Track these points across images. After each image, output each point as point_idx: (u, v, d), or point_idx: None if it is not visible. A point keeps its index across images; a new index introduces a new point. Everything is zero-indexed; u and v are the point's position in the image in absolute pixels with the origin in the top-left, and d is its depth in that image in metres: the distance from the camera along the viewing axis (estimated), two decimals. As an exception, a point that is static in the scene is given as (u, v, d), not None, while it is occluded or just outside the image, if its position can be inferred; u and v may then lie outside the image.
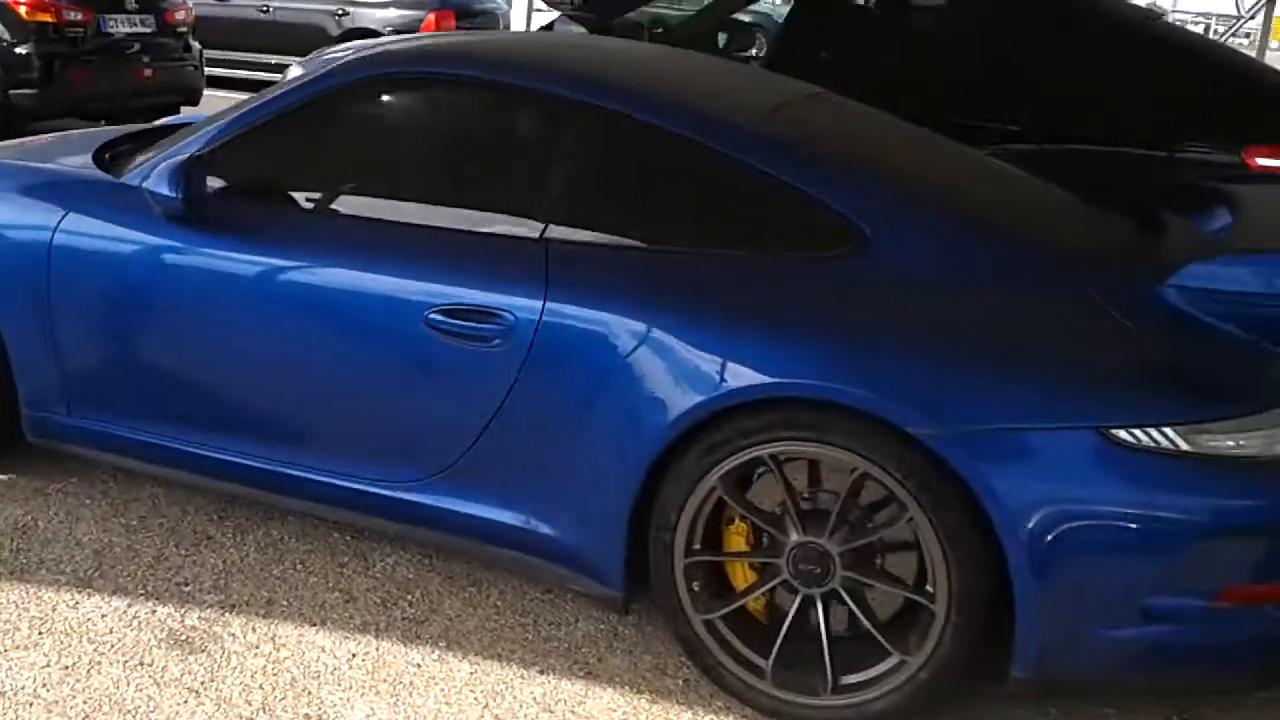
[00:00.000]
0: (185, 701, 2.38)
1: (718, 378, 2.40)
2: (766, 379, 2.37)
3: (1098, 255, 2.70)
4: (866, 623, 2.41)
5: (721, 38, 6.17)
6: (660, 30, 5.14)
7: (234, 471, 2.90)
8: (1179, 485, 2.22)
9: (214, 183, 2.88)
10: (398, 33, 10.38)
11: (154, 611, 2.68)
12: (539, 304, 2.55)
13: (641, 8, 5.42)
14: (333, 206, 2.90)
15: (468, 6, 11.91)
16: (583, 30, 4.90)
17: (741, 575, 2.56)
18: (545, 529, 2.62)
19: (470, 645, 2.65)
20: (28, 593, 2.71)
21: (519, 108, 2.84)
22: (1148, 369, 2.35)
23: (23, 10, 7.74)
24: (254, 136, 2.90)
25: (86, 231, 2.91)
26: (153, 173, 2.78)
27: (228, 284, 2.80)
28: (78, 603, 2.69)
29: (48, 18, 7.84)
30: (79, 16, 8.09)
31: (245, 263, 2.79)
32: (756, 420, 2.38)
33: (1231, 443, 2.24)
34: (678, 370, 2.43)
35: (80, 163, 3.16)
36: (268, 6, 11.92)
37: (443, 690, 2.48)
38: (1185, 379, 2.34)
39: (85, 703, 2.35)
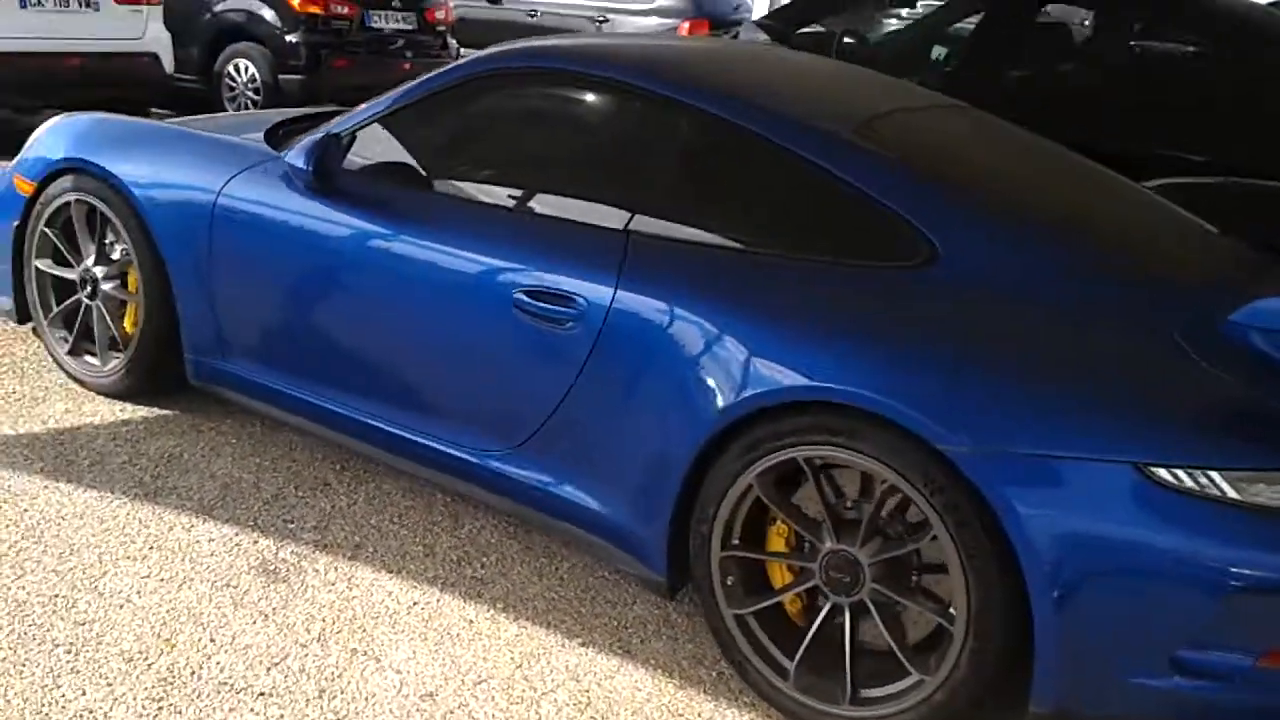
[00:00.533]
0: (254, 622, 2.63)
1: (763, 377, 2.44)
2: (802, 381, 2.39)
3: (1189, 287, 2.56)
4: (889, 638, 2.39)
5: (939, 51, 6.07)
6: (853, 41, 5.12)
7: (353, 427, 3.15)
8: (1222, 535, 2.11)
9: (358, 160, 3.14)
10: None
11: (255, 542, 2.96)
12: (610, 291, 2.66)
13: (834, 17, 5.41)
14: (452, 188, 3.09)
15: (722, 16, 12.14)
16: (765, 38, 4.96)
17: (780, 576, 2.58)
18: (602, 508, 2.72)
19: (524, 610, 2.79)
20: (153, 513, 3.04)
21: (627, 105, 2.95)
22: (1205, 410, 2.23)
23: (295, 2, 8.51)
24: (392, 120, 3.15)
25: (242, 196, 3.24)
26: (295, 147, 3.07)
27: (349, 254, 3.05)
28: (192, 526, 3.00)
29: (316, 9, 8.59)
30: (345, 10, 8.82)
31: (364, 235, 3.03)
32: (793, 422, 2.41)
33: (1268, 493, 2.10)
34: (729, 366, 2.49)
35: (255, 137, 3.51)
36: (535, 11, 12.49)
37: (484, 646, 2.63)
38: (1244, 424, 2.21)
39: (168, 612, 2.64)
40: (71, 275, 3.69)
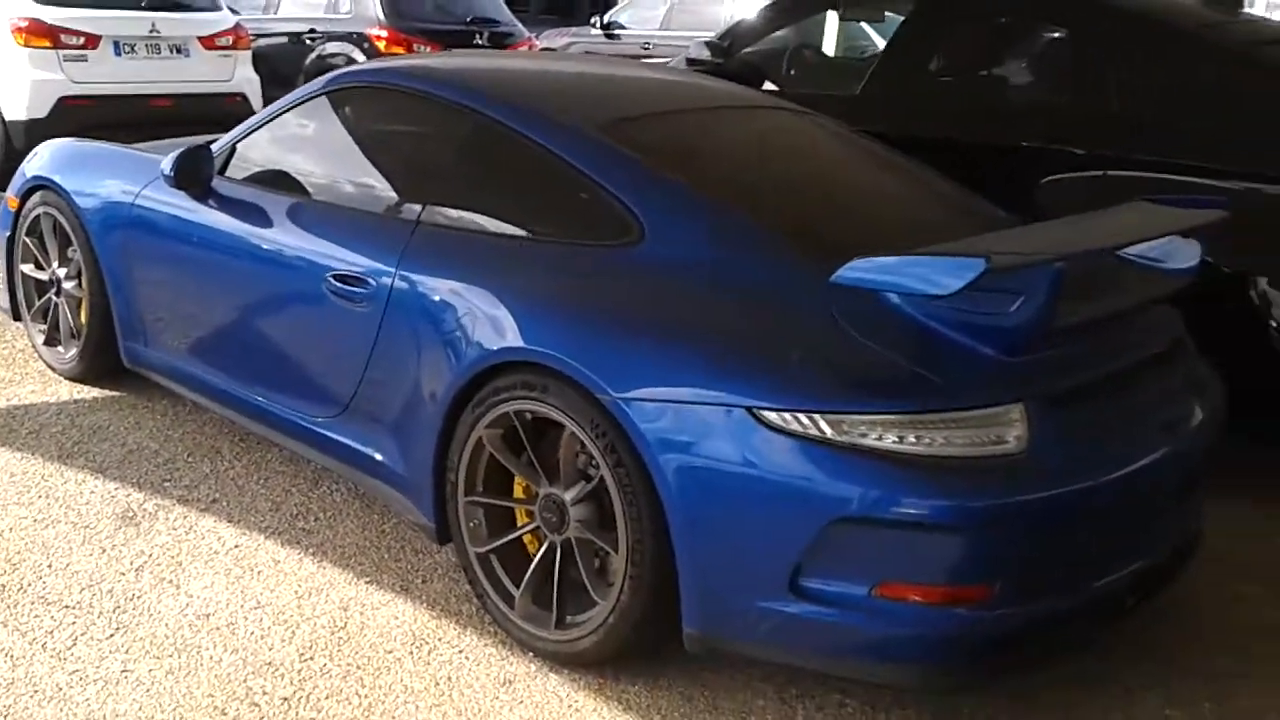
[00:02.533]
0: (91, 554, 3.12)
1: (488, 341, 2.78)
2: (509, 344, 2.73)
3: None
4: (582, 569, 2.69)
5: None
6: (810, 55, 5.33)
7: (230, 401, 3.62)
8: (823, 470, 2.33)
9: (238, 169, 3.65)
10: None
11: (128, 495, 3.46)
12: (393, 273, 3.05)
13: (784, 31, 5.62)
14: (293, 188, 3.52)
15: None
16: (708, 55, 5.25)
17: (521, 519, 2.91)
18: (393, 463, 3.10)
19: (331, 555, 3.18)
20: (58, 471, 3.59)
21: (430, 112, 3.34)
22: (819, 362, 2.45)
23: (381, 46, 9.29)
24: (262, 131, 3.64)
25: (147, 202, 3.78)
26: (165, 158, 3.59)
27: (213, 249, 3.54)
28: (83, 481, 3.53)
29: (400, 51, 9.33)
30: (429, 51, 9.52)
31: (222, 232, 3.51)
32: (507, 379, 2.74)
33: (876, 436, 2.32)
34: (469, 333, 2.84)
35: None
36: (649, 43, 13.03)
37: (276, 581, 3.04)
38: (849, 373, 2.42)
39: (26, 544, 3.15)
40: (44, 276, 4.31)
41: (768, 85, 5.35)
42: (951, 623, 2.33)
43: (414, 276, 3.01)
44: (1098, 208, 3.07)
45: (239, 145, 3.68)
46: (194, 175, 3.57)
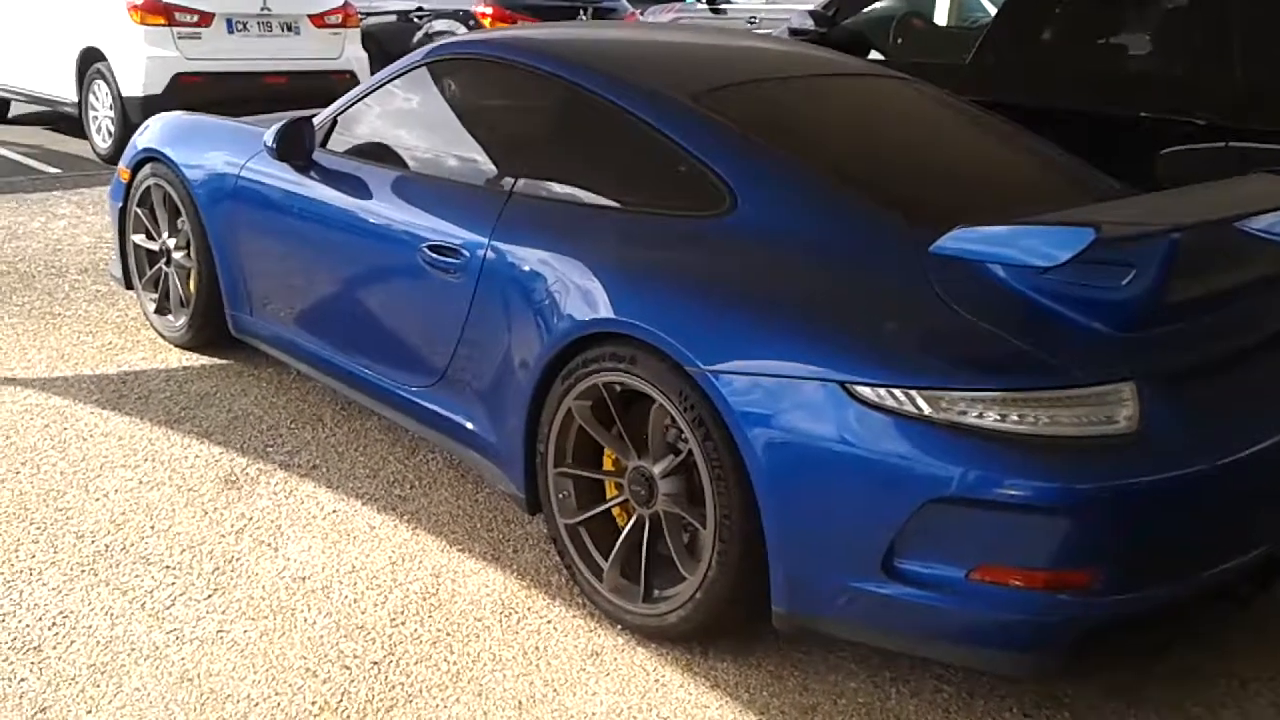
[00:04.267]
0: (194, 517, 3.18)
1: (578, 312, 2.76)
2: (599, 315, 2.70)
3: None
4: (670, 544, 2.66)
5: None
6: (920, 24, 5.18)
7: (332, 370, 3.67)
8: (920, 448, 2.26)
9: (339, 142, 3.69)
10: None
11: (232, 460, 3.52)
12: (486, 243, 3.05)
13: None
14: (392, 161, 3.54)
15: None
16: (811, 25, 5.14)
17: (611, 491, 2.88)
18: (487, 434, 3.10)
19: (425, 523, 3.21)
20: (164, 435, 3.68)
21: (524, 84, 3.32)
22: (916, 335, 2.37)
23: (487, 23, 9.33)
24: (362, 104, 3.67)
25: (252, 174, 3.84)
26: (267, 131, 3.64)
27: (318, 220, 3.58)
28: (189, 445, 3.61)
29: (505, 26, 9.37)
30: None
31: (324, 204, 3.55)
32: (597, 350, 2.72)
33: (976, 414, 2.23)
34: (561, 304, 2.82)
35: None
36: (755, 17, 12.86)
37: (372, 546, 3.07)
38: (946, 348, 2.34)
39: (131, 505, 3.23)
40: (155, 246, 4.42)
41: (874, 55, 5.24)
42: (1053, 609, 2.24)
43: (506, 247, 3.00)
44: (1215, 179, 2.93)
45: (340, 118, 3.71)
46: (296, 147, 3.61)
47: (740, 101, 3.07)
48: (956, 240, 2.33)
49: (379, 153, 3.60)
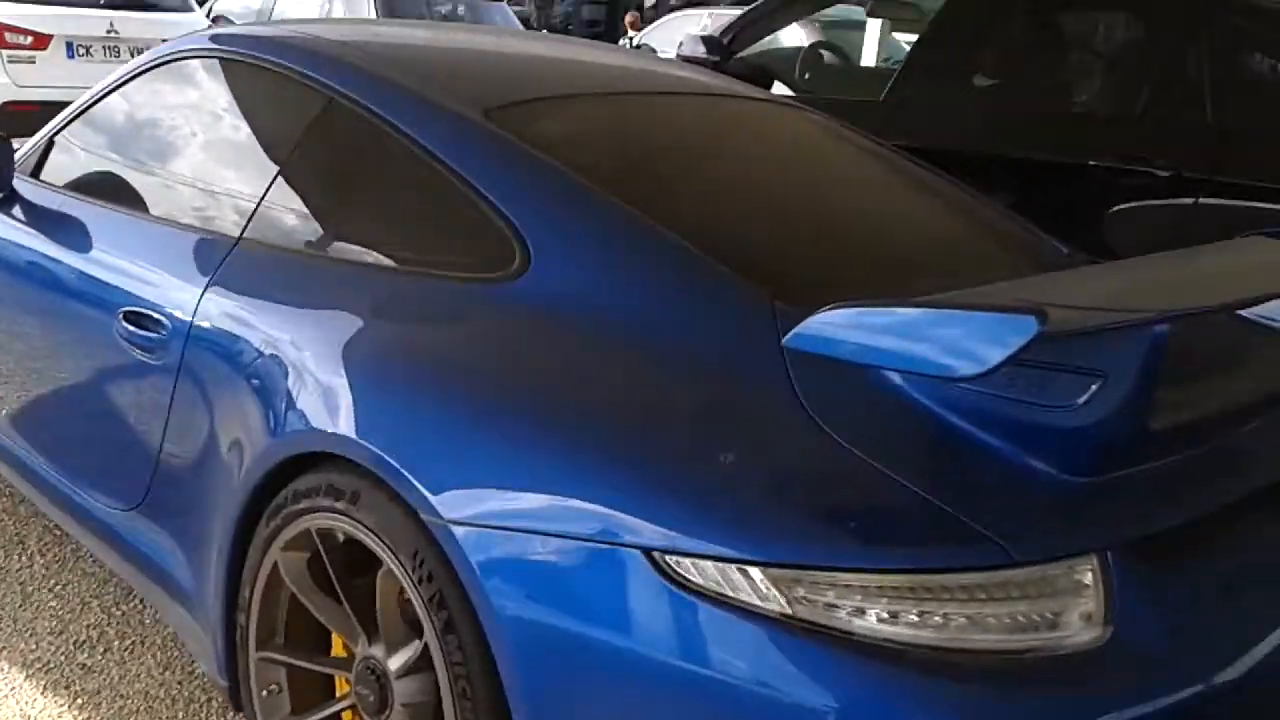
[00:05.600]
0: None
1: (290, 421, 1.87)
2: (310, 426, 1.81)
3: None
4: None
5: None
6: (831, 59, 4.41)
7: (34, 477, 2.71)
8: (762, 661, 1.39)
9: (56, 168, 2.77)
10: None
11: None
12: (192, 312, 2.15)
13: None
14: (103, 194, 2.63)
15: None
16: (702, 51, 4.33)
17: (343, 688, 1.97)
18: (190, 590, 2.18)
19: (108, 712, 2.26)
20: None
21: (278, 92, 2.44)
22: (757, 474, 1.51)
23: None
24: (76, 120, 2.77)
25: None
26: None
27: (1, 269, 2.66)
28: None
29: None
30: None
31: (11, 249, 2.64)
32: (309, 480, 1.82)
33: (851, 609, 1.37)
34: (277, 408, 1.92)
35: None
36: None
37: (40, 690, 2.13)
38: (815, 497, 1.48)
39: None
40: None
41: (779, 88, 4.44)
42: None
43: (219, 318, 2.11)
44: (1185, 244, 2.11)
45: (57, 138, 2.80)
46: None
47: (553, 123, 2.21)
48: (822, 328, 1.46)
49: (97, 183, 2.70)
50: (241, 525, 1.95)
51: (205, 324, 2.12)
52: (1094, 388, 1.48)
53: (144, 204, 2.53)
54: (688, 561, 1.42)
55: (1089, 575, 1.44)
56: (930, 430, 1.55)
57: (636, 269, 1.83)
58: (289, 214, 2.22)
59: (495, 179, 1.95)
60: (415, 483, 1.61)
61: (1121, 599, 1.44)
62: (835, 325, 1.44)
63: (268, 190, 2.25)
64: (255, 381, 1.98)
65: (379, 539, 1.69)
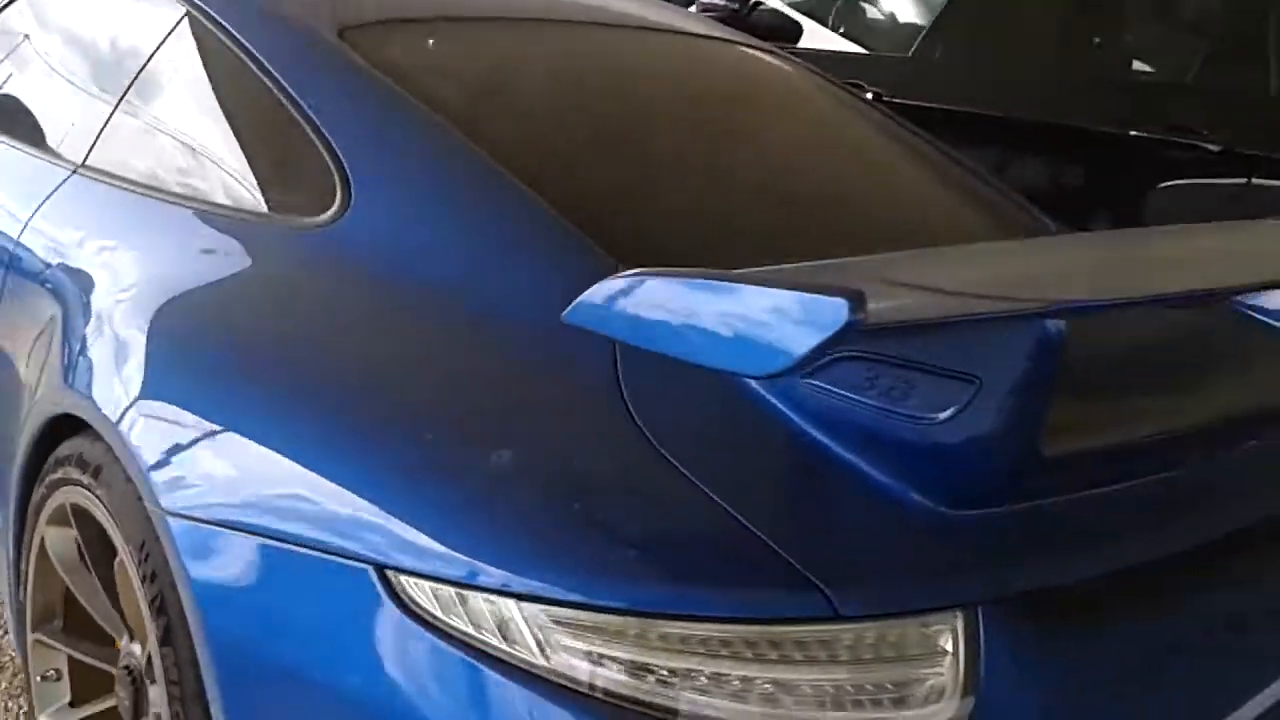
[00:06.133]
0: None
1: (58, 378, 1.60)
2: (67, 385, 1.54)
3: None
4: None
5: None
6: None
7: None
8: (481, 696, 1.10)
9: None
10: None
11: None
12: (15, 239, 1.90)
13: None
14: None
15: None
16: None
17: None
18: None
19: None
20: None
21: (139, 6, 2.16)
22: (534, 479, 1.19)
23: None
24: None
25: None
26: None
27: None
28: None
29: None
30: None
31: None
32: (67, 448, 1.55)
33: (638, 669, 1.05)
34: (62, 359, 1.65)
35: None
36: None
37: None
38: (603, 519, 1.15)
39: None
40: None
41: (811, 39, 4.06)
42: None
43: (39, 251, 1.86)
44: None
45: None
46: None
47: (419, 47, 1.88)
48: (594, 299, 1.11)
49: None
50: (22, 488, 1.69)
51: (23, 255, 1.86)
52: (965, 398, 1.12)
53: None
54: (427, 585, 1.12)
55: (947, 637, 1.10)
56: (774, 439, 1.21)
57: (466, 223, 1.51)
58: (129, 143, 1.95)
59: (324, 106, 1.64)
60: (142, 461, 1.33)
61: (990, 667, 1.10)
62: (610, 295, 1.09)
63: (111, 115, 1.97)
64: (62, 324, 1.72)
65: (116, 524, 1.41)
